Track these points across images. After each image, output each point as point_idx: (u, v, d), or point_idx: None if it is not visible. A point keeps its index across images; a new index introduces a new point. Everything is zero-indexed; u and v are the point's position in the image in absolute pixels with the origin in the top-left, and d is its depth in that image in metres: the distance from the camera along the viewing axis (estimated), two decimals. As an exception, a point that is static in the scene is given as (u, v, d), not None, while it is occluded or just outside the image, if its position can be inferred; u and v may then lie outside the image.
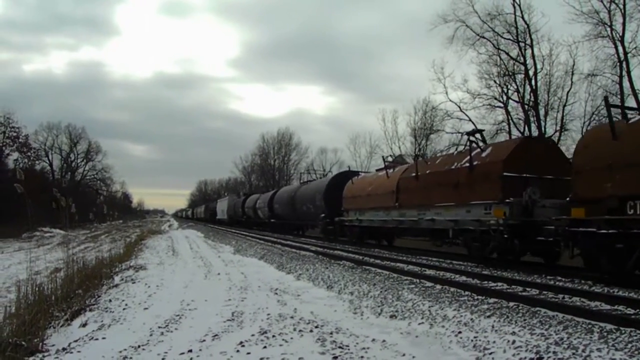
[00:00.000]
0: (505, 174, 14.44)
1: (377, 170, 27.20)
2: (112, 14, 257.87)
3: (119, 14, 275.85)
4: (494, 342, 6.11)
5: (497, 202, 14.36)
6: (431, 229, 17.89)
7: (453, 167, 16.77)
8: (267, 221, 45.32)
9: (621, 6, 30.85)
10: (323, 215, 29.63)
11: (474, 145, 16.63)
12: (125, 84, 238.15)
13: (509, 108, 38.29)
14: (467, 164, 15.86)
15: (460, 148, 21.65)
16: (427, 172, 18.46)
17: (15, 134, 62.65)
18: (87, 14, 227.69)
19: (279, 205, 41.10)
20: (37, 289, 9.15)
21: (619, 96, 31.43)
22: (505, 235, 13.92)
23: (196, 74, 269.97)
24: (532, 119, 35.69)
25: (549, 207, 13.70)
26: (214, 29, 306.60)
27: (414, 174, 19.24)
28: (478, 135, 17.47)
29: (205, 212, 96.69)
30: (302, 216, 35.29)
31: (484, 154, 15.78)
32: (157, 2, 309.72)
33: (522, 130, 35.80)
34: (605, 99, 13.94)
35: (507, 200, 14.10)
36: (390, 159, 30.08)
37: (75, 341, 6.76)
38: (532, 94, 36.37)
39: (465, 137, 17.43)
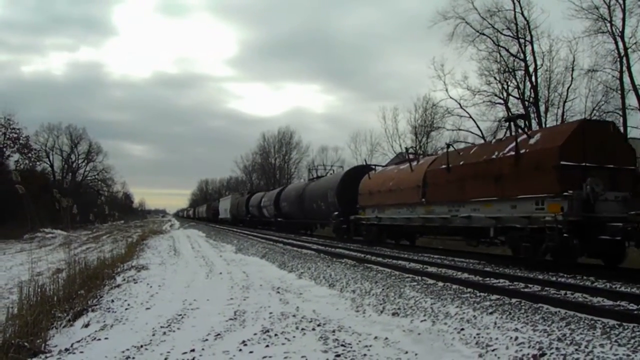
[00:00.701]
0: (562, 162, 12.51)
1: (396, 163, 25.09)
2: (109, 14, 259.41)
3: (117, 14, 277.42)
4: (497, 338, 6.11)
5: (553, 195, 12.56)
6: (466, 228, 15.81)
7: (494, 156, 14.73)
8: (273, 220, 43.51)
9: (621, 1, 30.72)
10: (336, 213, 27.31)
11: (518, 131, 15.17)
12: (124, 84, 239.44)
13: (510, 104, 38.23)
14: (512, 153, 13.93)
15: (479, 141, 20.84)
16: (461, 163, 16.17)
17: (16, 135, 62.52)
18: (85, 15, 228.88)
19: (286, 203, 39.17)
20: (39, 290, 9.15)
21: (619, 92, 31.41)
22: (565, 234, 12.05)
23: (195, 73, 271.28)
24: (532, 115, 35.64)
25: (612, 200, 12.38)
26: (211, 28, 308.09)
27: (444, 166, 16.90)
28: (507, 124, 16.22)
29: (207, 211, 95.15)
30: (312, 214, 33.17)
31: (532, 141, 13.83)
32: (153, 2, 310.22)
33: (522, 127, 35.77)
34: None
35: (566, 194, 12.24)
36: (409, 152, 28.29)
37: (78, 342, 6.76)
38: (532, 90, 36.32)
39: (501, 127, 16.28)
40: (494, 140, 16.68)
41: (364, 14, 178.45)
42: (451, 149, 17.67)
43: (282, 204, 40.26)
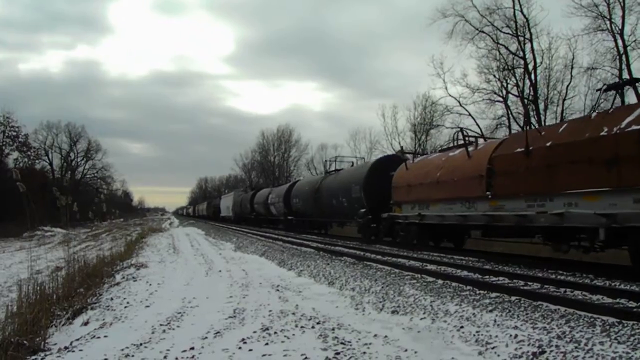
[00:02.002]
0: None
1: (442, 150, 21.00)
2: (106, 12, 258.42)
3: (113, 12, 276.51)
4: (496, 336, 6.11)
5: None
6: (555, 228, 12.41)
7: (603, 133, 11.11)
8: (283, 218, 39.93)
9: (620, -1, 30.83)
10: (363, 210, 23.67)
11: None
12: (121, 82, 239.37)
13: (509, 102, 38.40)
14: (636, 127, 10.38)
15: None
16: (548, 144, 12.65)
17: (15, 134, 62.66)
18: (82, 12, 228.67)
19: (298, 199, 35.71)
20: (38, 288, 9.14)
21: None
22: None
23: (192, 71, 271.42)
24: (531, 113, 35.68)
25: None
26: (208, 26, 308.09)
27: (521, 149, 13.34)
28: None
29: (208, 209, 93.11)
30: (330, 212, 29.54)
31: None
32: (150, 0, 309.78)
33: (522, 125, 35.82)
34: None
35: None
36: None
37: (77, 340, 6.76)
38: (531, 88, 36.44)
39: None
40: (594, 114, 12.51)
41: (360, 11, 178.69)
42: (530, 128, 14.74)
43: (293, 201, 36.97)
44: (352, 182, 25.65)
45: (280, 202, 39.95)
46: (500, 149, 14.71)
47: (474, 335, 6.25)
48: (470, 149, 16.41)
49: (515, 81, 37.95)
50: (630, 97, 29.22)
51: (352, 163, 32.80)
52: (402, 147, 27.44)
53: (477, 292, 9.44)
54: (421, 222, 18.40)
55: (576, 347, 5.48)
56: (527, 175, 13.13)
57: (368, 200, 23.63)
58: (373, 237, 23.15)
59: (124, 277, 12.72)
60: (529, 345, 5.67)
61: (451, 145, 19.63)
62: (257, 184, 79.28)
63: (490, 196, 14.48)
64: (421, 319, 7.34)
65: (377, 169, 23.91)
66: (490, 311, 7.66)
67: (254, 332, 6.62)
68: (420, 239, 19.07)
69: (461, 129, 18.65)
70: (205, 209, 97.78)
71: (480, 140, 17.37)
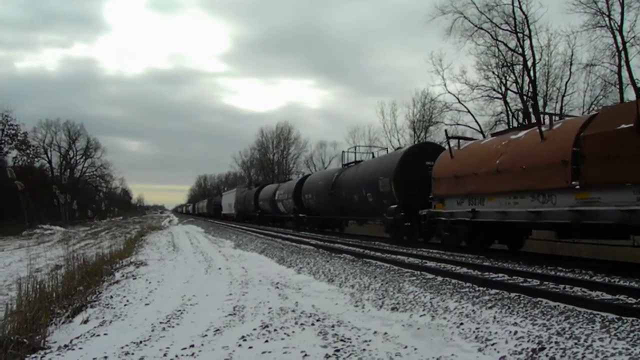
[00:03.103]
0: None
1: (497, 133, 17.42)
2: (102, 11, 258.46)
3: (109, 10, 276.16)
4: (496, 333, 6.11)
5: None
6: None
7: None
8: (293, 216, 36.45)
9: (619, -4, 30.82)
10: (394, 206, 20.72)
11: None
12: (118, 80, 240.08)
13: (508, 99, 38.45)
14: None
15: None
16: None
17: (14, 132, 62.58)
18: (77, 11, 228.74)
19: (310, 195, 32.76)
20: (38, 286, 9.15)
21: (617, 86, 31.44)
22: None
23: (188, 69, 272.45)
24: (530, 109, 35.70)
25: None
26: (203, 24, 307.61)
27: (628, 125, 10.44)
28: None
29: (209, 206, 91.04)
30: (351, 209, 26.52)
31: None
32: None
33: (520, 122, 35.86)
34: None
35: None
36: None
37: (77, 338, 6.76)
38: (530, 85, 36.47)
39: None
40: None
41: (356, 9, 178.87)
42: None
43: (304, 197, 33.95)
44: (379, 175, 22.53)
45: (289, 198, 37.39)
46: (593, 127, 11.65)
47: (474, 331, 6.25)
48: (545, 129, 13.28)
49: (514, 78, 38.03)
50: (629, 93, 29.28)
51: (372, 154, 29.85)
52: (399, 147, 26.45)
53: (477, 288, 9.44)
54: (473, 220, 15.37)
55: (576, 344, 5.48)
56: (636, 159, 10.23)
57: (400, 195, 20.81)
58: (405, 238, 20.53)
59: (123, 275, 12.72)
60: (528, 341, 5.67)
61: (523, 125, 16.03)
62: (256, 181, 79.18)
63: (578, 187, 11.67)
64: (421, 315, 7.34)
65: (411, 158, 21.03)
66: (490, 308, 7.66)
67: (254, 329, 6.62)
68: (471, 240, 16.33)
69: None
70: (206, 207, 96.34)
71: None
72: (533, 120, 34.56)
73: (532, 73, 36.07)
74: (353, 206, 25.81)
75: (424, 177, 18.80)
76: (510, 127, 30.34)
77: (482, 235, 16.12)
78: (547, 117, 14.67)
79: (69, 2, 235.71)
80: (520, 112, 37.16)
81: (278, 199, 40.84)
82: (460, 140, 18.62)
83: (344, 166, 29.85)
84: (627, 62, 31.10)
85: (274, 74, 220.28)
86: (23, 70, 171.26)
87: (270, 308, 8.01)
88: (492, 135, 17.66)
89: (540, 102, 36.03)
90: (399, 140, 51.09)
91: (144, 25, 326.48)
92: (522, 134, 14.36)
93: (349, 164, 29.31)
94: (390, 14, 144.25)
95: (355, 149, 31.30)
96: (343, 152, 31.67)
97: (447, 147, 18.08)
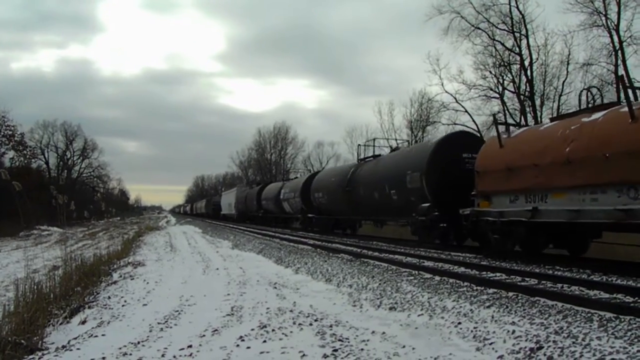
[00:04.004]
0: None
1: (558, 118, 15.31)
2: (97, 11, 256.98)
3: (105, 10, 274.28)
4: (494, 332, 6.11)
5: None
6: None
7: None
8: (300, 216, 34.30)
9: (616, -5, 30.88)
10: (426, 205, 18.08)
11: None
12: (115, 81, 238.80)
13: (505, 99, 38.45)
14: None
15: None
16: None
17: (10, 132, 62.39)
18: (73, 11, 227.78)
19: (321, 193, 30.15)
20: (35, 287, 9.12)
21: (614, 85, 31.48)
22: None
23: (184, 69, 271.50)
24: (528, 109, 35.76)
25: None
26: (199, 24, 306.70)
27: None
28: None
29: (207, 206, 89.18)
30: (371, 208, 23.77)
31: None
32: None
33: (518, 121, 35.87)
34: None
35: None
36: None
37: (75, 338, 6.75)
38: (527, 84, 36.51)
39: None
40: None
41: (351, 8, 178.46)
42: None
43: (314, 195, 31.24)
44: (406, 169, 19.76)
45: (296, 197, 34.91)
46: None
47: (472, 331, 6.25)
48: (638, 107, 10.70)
49: (511, 77, 38.04)
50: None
51: (392, 148, 27.50)
52: (398, 145, 25.45)
53: (475, 288, 9.44)
54: (533, 220, 12.74)
55: (574, 343, 5.48)
56: None
57: (433, 192, 18.11)
58: (437, 241, 18.19)
59: (121, 276, 12.71)
60: (526, 340, 5.67)
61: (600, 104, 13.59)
62: (254, 181, 79.07)
63: None
64: (419, 315, 7.34)
65: (445, 149, 18.41)
66: (488, 307, 7.67)
67: (252, 329, 6.61)
68: (529, 245, 13.74)
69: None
70: (204, 207, 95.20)
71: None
72: (529, 117, 34.67)
73: (529, 72, 36.15)
74: (372, 205, 23.15)
75: (460, 171, 16.94)
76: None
77: (542, 238, 13.64)
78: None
79: (65, 2, 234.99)
80: (517, 112, 37.22)
81: (283, 198, 38.41)
82: (510, 128, 15.90)
83: (360, 161, 27.26)
84: (624, 61, 31.17)
85: (270, 74, 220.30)
86: (19, 70, 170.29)
87: (268, 308, 8.00)
88: (552, 120, 14.84)
89: (538, 102, 36.12)
90: (396, 140, 51.07)
91: (139, 25, 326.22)
92: (598, 115, 11.81)
93: (365, 159, 26.77)
94: (387, 13, 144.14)
95: (373, 142, 28.40)
96: (359, 145, 29.48)
97: (494, 134, 15.11)
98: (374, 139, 29.15)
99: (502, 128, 15.56)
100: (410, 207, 19.07)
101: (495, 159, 14.28)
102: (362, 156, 27.66)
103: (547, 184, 12.39)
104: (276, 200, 40.43)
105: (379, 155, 25.80)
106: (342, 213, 28.11)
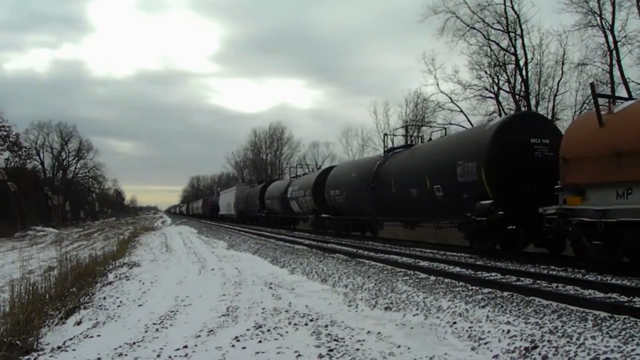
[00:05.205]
0: None
1: None
2: (91, 12, 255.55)
3: (98, 11, 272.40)
4: (489, 331, 6.13)
5: None
6: None
7: None
8: (312, 217, 30.88)
9: (610, -5, 30.95)
10: (487, 202, 14.36)
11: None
12: (108, 81, 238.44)
13: (500, 98, 38.45)
14: None
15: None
16: None
17: (5, 133, 62.21)
18: (66, 11, 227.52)
19: (339, 190, 26.39)
20: (30, 288, 9.11)
21: (609, 85, 31.57)
22: None
23: (178, 70, 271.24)
24: (523, 109, 35.79)
25: None
26: (192, 25, 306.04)
27: None
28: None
29: (204, 207, 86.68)
30: (403, 206, 19.86)
31: None
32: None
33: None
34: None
35: None
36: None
37: (70, 339, 6.74)
38: (522, 84, 36.55)
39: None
40: None
41: (344, 9, 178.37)
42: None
43: (329, 193, 27.48)
44: (456, 159, 15.93)
45: (306, 195, 31.42)
46: None
47: (467, 330, 6.27)
48: None
49: (506, 77, 38.06)
50: (621, 92, 29.41)
51: (421, 138, 23.11)
52: (393, 147, 22.39)
53: (470, 288, 9.46)
54: None
55: (568, 342, 5.50)
56: None
57: (495, 186, 14.44)
58: (497, 247, 15.04)
59: (116, 276, 12.69)
60: (521, 340, 5.69)
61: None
62: (248, 181, 78.92)
63: None
64: (414, 315, 7.35)
65: (509, 134, 14.75)
66: (483, 307, 7.69)
67: (247, 330, 6.62)
68: None
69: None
70: (201, 207, 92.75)
71: None
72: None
73: (524, 72, 36.17)
74: (406, 204, 19.33)
75: (529, 160, 14.15)
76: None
77: None
78: None
79: (58, 2, 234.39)
80: (512, 112, 37.27)
81: (291, 197, 34.80)
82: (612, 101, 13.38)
83: (386, 152, 23.17)
84: (619, 61, 31.22)
85: (263, 74, 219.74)
86: (11, 71, 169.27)
87: (263, 308, 8.00)
88: None
89: (533, 102, 36.13)
90: (392, 140, 51.04)
91: (133, 26, 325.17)
92: None
93: (394, 149, 22.98)
94: (382, 13, 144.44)
95: (405, 129, 24.57)
96: (385, 134, 26.35)
97: (593, 109, 11.72)
98: (406, 126, 25.38)
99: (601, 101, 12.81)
100: (462, 206, 15.44)
101: (594, 142, 11.20)
102: (387, 147, 24.01)
103: None
104: (282, 199, 36.90)
105: (412, 144, 22.16)
106: (363, 213, 24.45)
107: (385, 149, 23.83)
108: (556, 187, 12.00)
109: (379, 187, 21.50)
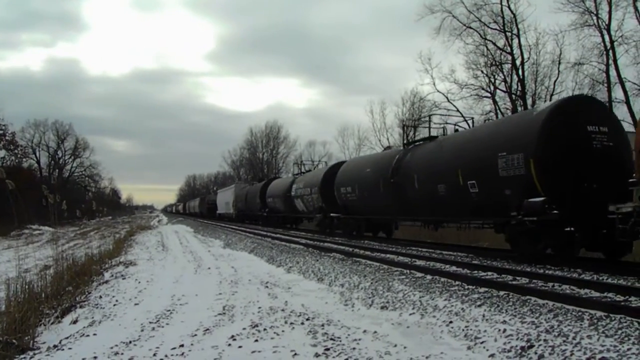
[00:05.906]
0: None
1: None
2: (86, 10, 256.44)
3: (93, 9, 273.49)
4: (485, 331, 6.14)
5: None
6: None
7: None
8: (319, 216, 28.34)
9: (607, -6, 30.99)
10: (538, 200, 12.11)
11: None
12: (104, 80, 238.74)
13: (497, 98, 38.48)
14: None
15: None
16: None
17: (1, 131, 62.02)
18: (61, 10, 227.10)
19: (351, 188, 23.91)
20: (26, 286, 9.09)
21: (606, 84, 31.63)
22: None
23: (173, 68, 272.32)
24: (519, 108, 35.82)
25: None
26: (187, 23, 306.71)
27: None
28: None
29: (201, 205, 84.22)
30: (429, 204, 17.45)
31: None
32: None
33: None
34: None
35: None
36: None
37: (66, 338, 6.74)
38: (519, 84, 36.59)
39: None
40: None
41: (340, 8, 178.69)
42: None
43: (340, 191, 25.15)
44: (497, 150, 13.67)
45: (313, 193, 29.29)
46: None
47: (463, 330, 6.28)
48: None
49: (503, 77, 38.10)
50: (617, 92, 29.48)
51: (444, 130, 21.32)
52: (390, 146, 22.24)
53: (466, 287, 9.46)
54: None
55: (564, 341, 5.51)
56: None
57: (547, 181, 12.34)
58: (549, 252, 12.97)
59: (112, 275, 12.67)
60: (517, 339, 5.70)
61: None
62: (245, 180, 78.80)
63: None
64: (410, 314, 7.36)
65: (562, 121, 12.50)
66: (479, 306, 7.69)
67: (244, 328, 6.62)
68: None
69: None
70: (198, 206, 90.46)
71: None
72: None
73: (520, 72, 36.23)
74: (434, 201, 17.01)
75: (586, 151, 12.30)
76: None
77: None
78: None
79: (53, 1, 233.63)
80: (509, 111, 37.32)
81: (295, 195, 32.47)
82: None
83: (407, 145, 21.36)
84: (615, 60, 31.27)
85: (259, 73, 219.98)
86: (6, 70, 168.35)
87: (259, 307, 8.00)
88: None
89: (529, 101, 36.18)
90: (388, 139, 51.05)
91: (128, 24, 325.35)
92: None
93: (416, 142, 21.17)
94: (378, 12, 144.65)
95: (429, 120, 21.79)
96: (404, 125, 24.45)
97: None
98: (430, 115, 22.84)
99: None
100: (503, 204, 13.42)
101: None
102: (406, 140, 22.45)
103: None
104: (285, 197, 34.57)
105: (436, 136, 19.57)
106: (379, 212, 22.16)
107: (405, 141, 22.14)
108: (631, 180, 10.44)
109: (399, 183, 19.38)
